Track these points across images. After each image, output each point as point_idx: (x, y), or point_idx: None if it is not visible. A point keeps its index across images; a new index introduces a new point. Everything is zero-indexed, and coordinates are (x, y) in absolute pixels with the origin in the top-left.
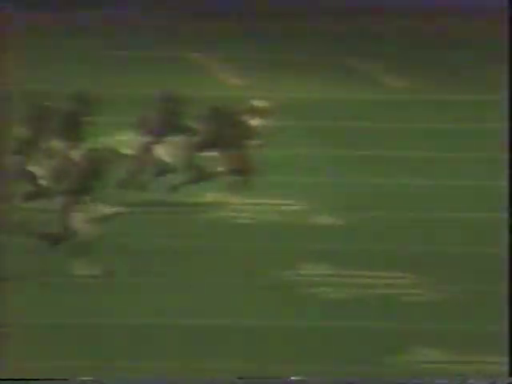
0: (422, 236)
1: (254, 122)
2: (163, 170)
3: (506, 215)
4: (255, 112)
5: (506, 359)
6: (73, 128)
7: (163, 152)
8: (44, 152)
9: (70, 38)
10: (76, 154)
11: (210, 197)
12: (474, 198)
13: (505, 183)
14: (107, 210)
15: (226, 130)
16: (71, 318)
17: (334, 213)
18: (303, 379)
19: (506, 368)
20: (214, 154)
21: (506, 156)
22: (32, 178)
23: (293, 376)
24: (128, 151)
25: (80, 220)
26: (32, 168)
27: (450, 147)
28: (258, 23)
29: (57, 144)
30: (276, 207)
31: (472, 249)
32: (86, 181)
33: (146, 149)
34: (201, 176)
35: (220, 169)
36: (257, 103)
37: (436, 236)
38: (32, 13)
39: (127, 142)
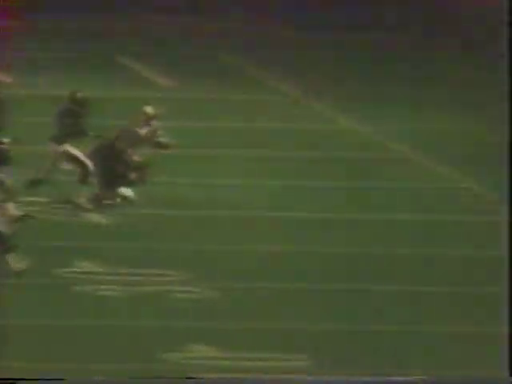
0: (192, 234)
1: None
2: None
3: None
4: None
5: (279, 355)
6: None
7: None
8: None
9: None
10: None
11: None
12: (247, 196)
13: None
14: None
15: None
16: None
17: (101, 211)
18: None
19: (283, 364)
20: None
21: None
22: None
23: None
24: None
25: None
26: None
27: (226, 144)
28: (27, 20)
29: None
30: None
31: (248, 247)
32: None
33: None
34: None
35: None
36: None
37: (208, 234)
38: None
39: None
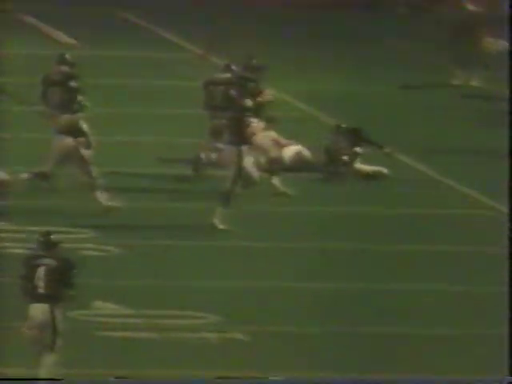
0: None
1: None
2: None
3: None
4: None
5: (188, 313)
6: None
7: None
8: None
9: None
10: None
11: None
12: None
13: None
14: None
15: None
16: None
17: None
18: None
19: (191, 321)
20: None
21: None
22: None
23: None
24: None
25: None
26: None
27: (128, 103)
28: None
29: None
30: None
31: (143, 204)
32: None
33: None
34: None
35: None
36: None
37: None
38: None
39: None
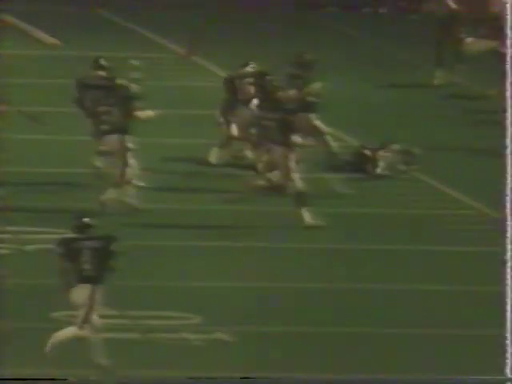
0: (45, 193)
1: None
2: None
3: None
4: None
5: (169, 314)
6: None
7: None
8: None
9: None
10: None
11: None
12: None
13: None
14: None
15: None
16: None
17: None
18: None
19: (173, 322)
20: None
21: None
22: None
23: None
24: None
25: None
26: None
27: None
28: None
29: None
30: None
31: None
32: None
33: None
34: None
35: None
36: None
37: (57, 194)
38: None
39: None
